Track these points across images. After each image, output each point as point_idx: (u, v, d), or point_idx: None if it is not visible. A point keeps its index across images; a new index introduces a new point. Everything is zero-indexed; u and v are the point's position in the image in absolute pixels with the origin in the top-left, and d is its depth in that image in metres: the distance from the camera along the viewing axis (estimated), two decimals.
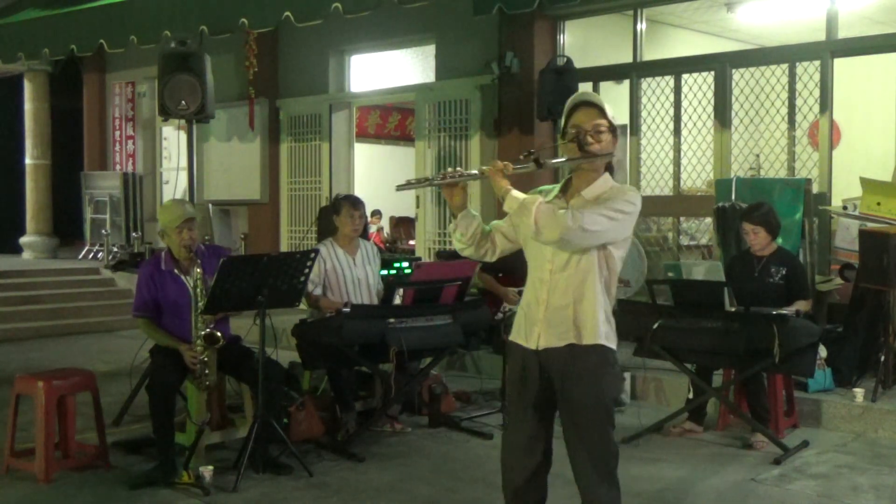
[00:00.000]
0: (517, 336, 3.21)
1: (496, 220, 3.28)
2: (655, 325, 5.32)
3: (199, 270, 4.77)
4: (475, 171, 3.14)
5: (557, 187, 3.20)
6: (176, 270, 5.00)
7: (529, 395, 3.15)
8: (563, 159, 3.11)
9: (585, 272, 3.05)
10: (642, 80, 8.61)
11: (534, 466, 3.21)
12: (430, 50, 9.93)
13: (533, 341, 3.12)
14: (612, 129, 3.09)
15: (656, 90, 8.55)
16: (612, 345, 3.12)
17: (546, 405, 3.18)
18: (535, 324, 3.12)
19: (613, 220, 3.00)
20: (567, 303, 3.07)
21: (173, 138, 12.44)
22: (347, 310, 5.26)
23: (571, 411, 3.10)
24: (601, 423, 3.09)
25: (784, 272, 5.55)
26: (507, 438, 3.31)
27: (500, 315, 6.29)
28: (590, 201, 3.06)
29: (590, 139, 3.04)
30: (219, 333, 4.77)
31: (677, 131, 8.37)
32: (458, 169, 3.13)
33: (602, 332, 3.08)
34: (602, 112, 3.08)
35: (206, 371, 4.80)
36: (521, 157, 3.07)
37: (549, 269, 3.09)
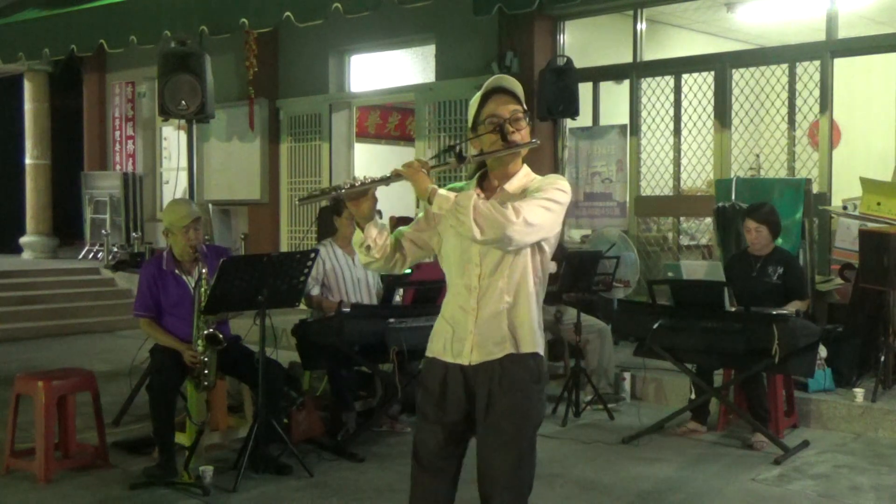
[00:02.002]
0: (440, 352, 2.87)
1: (401, 227, 2.98)
2: (655, 325, 5.32)
3: (204, 271, 4.76)
4: (387, 175, 2.81)
5: (472, 184, 2.88)
6: (177, 271, 5.00)
7: (448, 414, 2.84)
8: (489, 152, 2.80)
9: (521, 274, 2.79)
10: (642, 80, 8.61)
11: (443, 498, 2.92)
12: (430, 50, 9.94)
13: (464, 357, 2.80)
14: (527, 114, 2.85)
15: (656, 90, 8.56)
16: (543, 353, 2.85)
17: (464, 424, 2.86)
18: (466, 337, 2.80)
19: (551, 211, 2.72)
20: (501, 309, 2.78)
21: (173, 138, 12.44)
22: (347, 310, 5.26)
23: (496, 424, 2.77)
24: (526, 440, 2.80)
25: (781, 272, 5.55)
26: (417, 466, 2.91)
27: None
28: (515, 195, 2.78)
29: (510, 128, 2.78)
30: (221, 335, 4.77)
31: (677, 131, 8.38)
32: (365, 175, 2.84)
33: (536, 338, 2.82)
34: (516, 98, 2.83)
35: (206, 371, 4.80)
36: (442, 151, 2.84)
37: (478, 275, 2.79)
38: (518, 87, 2.86)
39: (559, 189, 2.77)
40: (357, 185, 2.80)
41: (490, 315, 2.78)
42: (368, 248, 2.87)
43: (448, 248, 2.87)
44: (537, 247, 2.79)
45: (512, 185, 2.83)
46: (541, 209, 2.69)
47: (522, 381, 2.78)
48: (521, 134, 2.81)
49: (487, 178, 2.89)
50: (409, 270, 7.26)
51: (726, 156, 8.08)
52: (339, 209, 5.83)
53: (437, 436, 2.87)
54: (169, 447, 4.73)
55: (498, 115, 2.80)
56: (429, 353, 2.95)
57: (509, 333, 2.78)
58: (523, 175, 2.85)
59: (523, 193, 2.78)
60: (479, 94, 2.86)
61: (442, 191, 2.72)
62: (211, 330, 4.77)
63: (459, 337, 2.83)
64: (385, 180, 2.81)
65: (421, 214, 2.96)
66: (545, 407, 2.95)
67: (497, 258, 2.77)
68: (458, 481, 2.94)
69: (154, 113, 11.14)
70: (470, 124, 2.90)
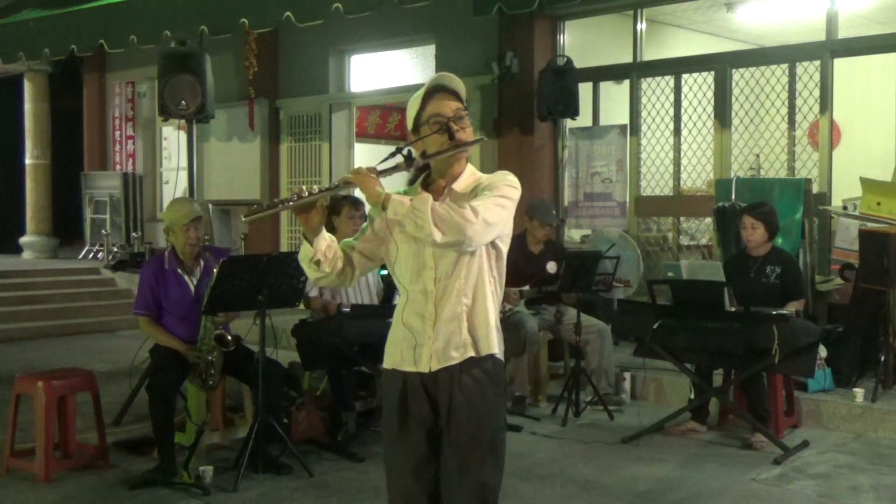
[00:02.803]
0: (398, 362, 2.81)
1: (346, 239, 2.87)
2: (655, 325, 5.32)
3: (214, 269, 4.75)
4: (335, 184, 2.72)
5: (416, 187, 2.82)
6: (179, 270, 5.00)
7: (414, 427, 2.77)
8: (439, 152, 2.73)
9: (477, 273, 2.72)
10: (642, 80, 8.61)
11: (428, 493, 2.80)
12: (430, 50, 9.93)
13: (424, 364, 2.73)
14: (468, 113, 2.81)
15: (656, 90, 8.55)
16: (501, 356, 2.79)
17: (432, 430, 2.77)
18: (424, 344, 2.73)
19: (505, 208, 2.68)
20: (459, 311, 2.71)
21: (173, 138, 12.44)
22: (347, 310, 5.26)
23: (458, 430, 2.71)
24: (486, 446, 2.71)
25: (779, 272, 5.56)
26: (393, 478, 2.88)
27: (500, 315, 6.29)
28: (464, 195, 2.72)
29: (455, 126, 2.72)
30: (229, 336, 4.77)
31: (677, 131, 8.37)
32: (314, 186, 2.69)
33: (494, 340, 2.76)
34: (457, 97, 2.78)
35: (212, 371, 4.80)
36: (389, 155, 2.75)
37: (433, 278, 2.70)
38: (460, 86, 2.80)
39: (510, 185, 2.73)
40: (305, 195, 2.65)
41: (448, 318, 2.72)
42: (318, 262, 2.74)
43: (401, 255, 2.76)
44: (492, 245, 2.74)
45: (459, 185, 2.77)
46: (497, 207, 2.65)
47: (481, 384, 2.72)
48: (466, 132, 2.76)
49: (432, 180, 2.82)
50: None
51: (726, 156, 8.08)
52: (338, 208, 5.82)
53: (406, 449, 2.79)
54: (169, 447, 4.73)
55: (441, 114, 2.74)
56: (386, 365, 2.86)
57: (469, 336, 2.73)
58: (469, 174, 2.81)
59: (472, 192, 2.73)
60: (419, 94, 2.79)
61: (395, 195, 2.63)
62: (220, 330, 4.77)
63: (418, 344, 2.75)
64: (333, 189, 2.71)
65: (366, 224, 2.86)
66: (505, 408, 2.91)
67: (453, 259, 2.70)
68: (440, 488, 2.80)
69: (154, 113, 11.14)
70: (410, 126, 2.82)
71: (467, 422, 2.70)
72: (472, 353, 2.73)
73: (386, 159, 2.77)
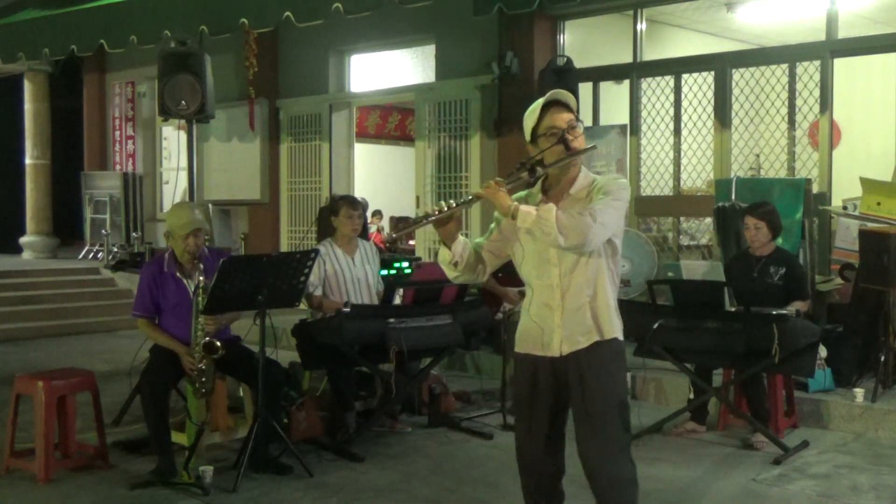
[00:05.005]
0: (532, 347, 3.18)
1: (478, 239, 3.26)
2: (655, 325, 5.32)
3: (201, 278, 4.76)
4: (470, 198, 3.10)
5: (536, 191, 3.18)
6: (178, 273, 4.99)
7: (543, 403, 3.18)
8: (556, 161, 3.07)
9: (597, 268, 3.08)
10: (642, 80, 8.61)
11: (550, 473, 3.26)
12: (430, 50, 9.94)
13: (555, 349, 3.12)
14: (580, 122, 3.15)
15: (656, 90, 8.56)
16: (622, 336, 3.18)
17: (560, 409, 3.21)
18: (554, 331, 3.12)
19: (618, 210, 3.03)
20: (583, 302, 3.09)
21: (173, 138, 12.45)
22: (347, 310, 5.27)
23: (590, 400, 3.10)
24: (618, 414, 3.12)
25: (783, 272, 5.55)
26: (522, 449, 3.29)
27: (500, 315, 6.30)
28: (580, 198, 3.08)
29: (570, 137, 3.06)
30: (218, 343, 4.76)
31: (677, 131, 8.37)
32: (451, 201, 3.09)
33: (616, 325, 3.14)
34: (569, 108, 3.11)
35: (204, 379, 4.79)
36: (515, 170, 3.08)
37: (558, 274, 3.09)
38: (571, 99, 3.14)
39: (621, 188, 3.08)
40: (445, 210, 3.04)
41: (574, 309, 3.09)
42: (455, 263, 3.14)
43: (527, 255, 3.15)
44: (608, 242, 3.08)
45: (575, 188, 3.12)
46: (611, 210, 3.00)
47: (607, 361, 3.11)
48: (579, 141, 3.09)
49: (549, 185, 3.17)
50: (408, 270, 7.29)
51: (726, 156, 8.08)
52: (337, 209, 5.82)
53: (535, 424, 3.20)
54: (166, 447, 4.73)
55: (556, 126, 3.07)
56: (519, 349, 3.24)
57: (593, 323, 3.10)
58: (583, 177, 3.15)
59: (588, 196, 3.08)
60: (535, 108, 3.12)
61: (523, 207, 2.99)
62: (208, 339, 4.76)
63: (547, 332, 3.13)
64: (468, 202, 3.10)
65: (493, 226, 3.23)
66: (627, 382, 3.31)
67: (574, 257, 3.06)
68: (563, 456, 3.28)
69: (154, 113, 11.13)
70: (528, 137, 3.15)
71: (598, 393, 3.09)
72: (597, 338, 3.11)
73: (512, 174, 3.10)
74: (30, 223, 13.52)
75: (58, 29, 8.90)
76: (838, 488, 4.68)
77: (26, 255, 13.41)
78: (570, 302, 3.09)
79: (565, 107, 3.10)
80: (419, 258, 9.26)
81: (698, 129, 8.29)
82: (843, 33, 7.66)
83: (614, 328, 3.14)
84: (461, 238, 3.15)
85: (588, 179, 3.14)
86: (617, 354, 3.15)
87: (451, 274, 3.21)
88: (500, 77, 8.93)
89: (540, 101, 3.12)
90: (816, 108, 7.59)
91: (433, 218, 3.04)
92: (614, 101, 9.09)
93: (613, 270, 3.14)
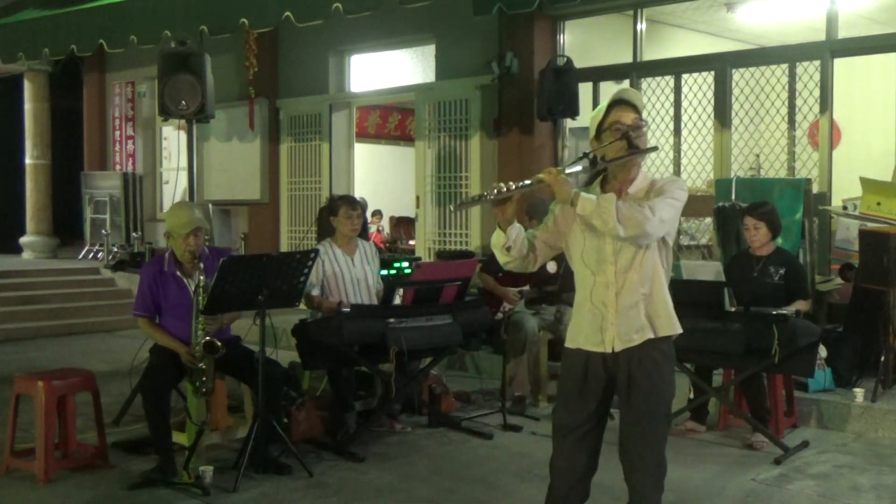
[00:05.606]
0: (584, 342, 3.19)
1: (531, 230, 3.28)
2: None
3: (202, 277, 4.76)
4: (530, 182, 3.06)
5: (594, 188, 3.18)
6: (179, 273, 4.99)
7: (590, 398, 3.19)
8: (618, 157, 3.08)
9: (652, 266, 3.11)
10: (642, 80, 8.61)
11: (583, 467, 3.26)
12: (430, 50, 9.93)
13: (607, 345, 3.13)
14: (646, 123, 3.19)
15: (656, 90, 8.55)
16: (679, 329, 3.19)
17: (604, 406, 3.23)
18: (607, 328, 3.12)
19: (675, 209, 3.07)
20: (637, 300, 3.10)
21: (173, 138, 12.44)
22: (347, 310, 5.26)
23: (636, 401, 3.12)
24: (662, 414, 3.15)
25: (783, 272, 5.55)
26: (560, 441, 3.27)
27: (499, 315, 6.30)
28: (638, 198, 3.09)
29: (633, 135, 3.08)
30: (218, 343, 4.76)
31: (677, 131, 8.37)
32: (510, 182, 3.07)
33: (673, 322, 3.15)
34: (636, 109, 3.14)
35: (204, 378, 4.79)
36: (577, 158, 3.11)
37: (614, 271, 3.10)
38: (639, 99, 3.19)
39: (680, 188, 3.12)
40: (504, 190, 3.01)
41: (628, 306, 3.10)
42: (509, 248, 3.14)
43: (584, 249, 3.14)
44: (662, 240, 3.11)
45: (634, 188, 3.14)
46: (669, 207, 3.03)
47: (658, 362, 3.12)
48: (642, 140, 3.12)
49: (608, 182, 3.17)
50: (408, 270, 7.28)
51: (726, 156, 8.07)
52: (336, 209, 5.82)
53: (578, 417, 3.20)
54: (166, 447, 4.73)
55: (621, 122, 3.09)
56: (570, 344, 3.25)
57: (647, 321, 3.11)
58: (642, 178, 3.17)
59: (646, 196, 3.09)
60: (603, 105, 3.16)
61: (584, 194, 3.00)
62: (209, 338, 4.77)
63: (602, 328, 3.13)
64: (528, 186, 3.05)
65: (548, 217, 3.24)
66: (674, 383, 3.27)
67: (630, 255, 3.08)
68: (599, 453, 3.27)
69: (154, 113, 11.13)
70: (593, 133, 3.18)
71: (647, 394, 3.11)
72: (650, 335, 3.11)
73: (573, 162, 3.12)
74: (30, 223, 13.52)
75: (58, 29, 8.90)
76: (838, 488, 4.68)
77: (26, 255, 13.40)
78: (624, 299, 3.10)
79: (632, 106, 3.14)
80: (419, 258, 9.26)
81: (698, 129, 8.28)
82: (843, 33, 7.65)
83: (671, 325, 3.15)
84: (516, 224, 3.14)
85: (647, 181, 3.16)
86: (668, 355, 3.16)
87: (502, 259, 3.21)
88: (500, 77, 8.93)
89: (609, 99, 3.16)
90: (816, 108, 7.59)
91: (492, 196, 3.02)
92: None
93: (668, 269, 3.17)
